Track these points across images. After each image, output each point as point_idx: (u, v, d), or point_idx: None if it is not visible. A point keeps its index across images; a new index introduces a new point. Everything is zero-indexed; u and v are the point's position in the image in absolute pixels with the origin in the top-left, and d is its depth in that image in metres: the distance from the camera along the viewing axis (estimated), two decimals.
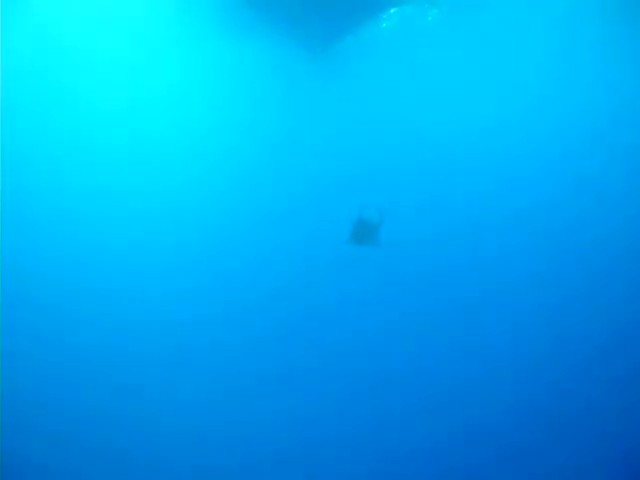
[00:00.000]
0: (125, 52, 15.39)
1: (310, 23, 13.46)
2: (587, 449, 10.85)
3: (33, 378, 11.93)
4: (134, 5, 13.65)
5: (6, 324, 11.85)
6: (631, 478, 10.17)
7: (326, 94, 16.46)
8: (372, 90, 16.67)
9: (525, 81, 16.73)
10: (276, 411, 12.12)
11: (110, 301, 14.51)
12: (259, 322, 14.36)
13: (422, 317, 14.09)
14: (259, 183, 17.17)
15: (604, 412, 11.48)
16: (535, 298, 14.61)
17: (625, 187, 15.75)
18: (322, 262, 14.31)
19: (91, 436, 11.19)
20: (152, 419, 11.73)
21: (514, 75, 16.73)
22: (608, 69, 16.14)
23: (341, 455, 11.45)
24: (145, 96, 16.40)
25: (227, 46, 14.77)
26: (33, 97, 15.81)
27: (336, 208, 14.09)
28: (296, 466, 11.24)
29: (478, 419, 11.83)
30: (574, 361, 12.79)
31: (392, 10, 13.70)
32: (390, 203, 15.32)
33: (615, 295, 13.89)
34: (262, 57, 15.02)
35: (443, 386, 12.77)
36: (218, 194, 16.90)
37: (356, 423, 12.13)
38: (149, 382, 12.50)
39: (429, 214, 16.85)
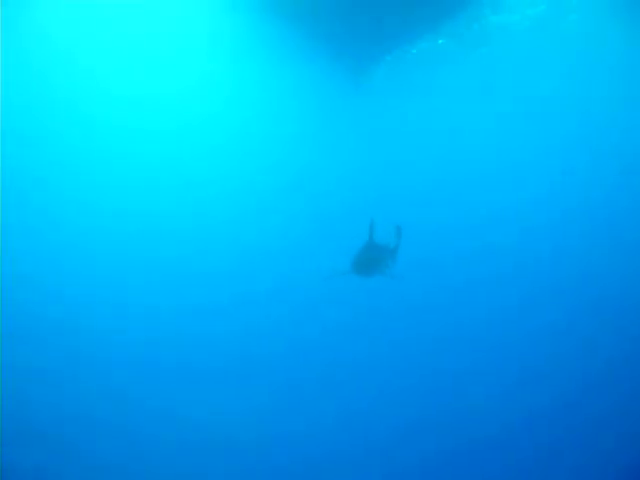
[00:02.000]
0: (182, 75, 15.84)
1: (349, 46, 13.98)
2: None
3: (31, 382, 11.74)
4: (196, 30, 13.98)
5: (6, 328, 11.66)
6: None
7: (364, 113, 17.02)
8: (408, 111, 17.17)
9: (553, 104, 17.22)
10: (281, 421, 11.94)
11: (113, 307, 14.47)
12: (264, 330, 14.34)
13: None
14: (295, 201, 17.61)
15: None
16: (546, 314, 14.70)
17: None
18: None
19: (90, 441, 11.04)
20: (152, 423, 11.61)
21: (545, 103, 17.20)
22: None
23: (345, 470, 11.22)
24: (187, 111, 16.88)
25: (270, 68, 15.23)
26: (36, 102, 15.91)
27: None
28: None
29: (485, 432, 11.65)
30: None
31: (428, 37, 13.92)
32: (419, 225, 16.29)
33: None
34: (303, 77, 15.38)
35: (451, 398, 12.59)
36: (251, 210, 17.20)
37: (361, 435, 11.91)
38: (148, 387, 12.42)
39: (461, 236, 17.17)
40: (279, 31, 13.30)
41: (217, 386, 12.47)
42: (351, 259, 7.21)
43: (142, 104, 16.74)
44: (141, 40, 14.61)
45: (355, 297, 12.87)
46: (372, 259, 7.38)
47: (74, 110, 16.31)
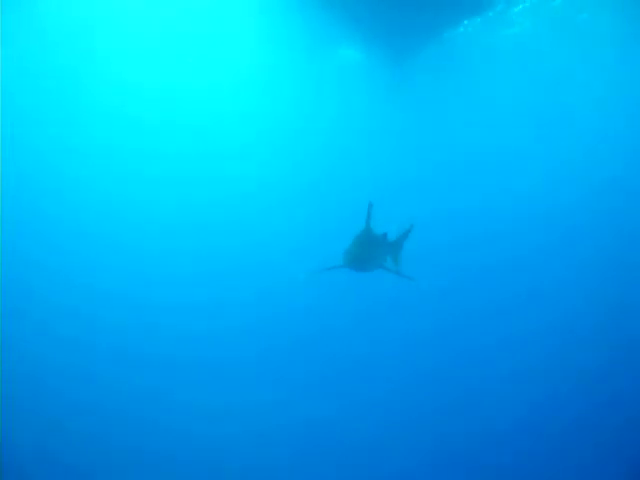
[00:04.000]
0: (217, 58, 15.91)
1: (391, 35, 13.96)
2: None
3: (33, 377, 11.89)
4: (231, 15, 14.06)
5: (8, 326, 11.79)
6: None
7: (400, 104, 16.79)
8: (449, 99, 16.95)
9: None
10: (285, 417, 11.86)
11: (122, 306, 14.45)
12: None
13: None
14: (327, 195, 17.51)
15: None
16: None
17: None
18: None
19: (95, 433, 11.09)
20: (155, 419, 11.62)
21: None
22: None
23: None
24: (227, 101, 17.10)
25: (314, 55, 15.38)
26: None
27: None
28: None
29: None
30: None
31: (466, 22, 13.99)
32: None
33: None
34: (347, 65, 15.62)
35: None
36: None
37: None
38: (151, 383, 12.41)
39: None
40: (316, 21, 13.47)
41: (219, 382, 12.49)
42: (343, 250, 6.14)
43: (174, 99, 17.18)
44: (173, 33, 14.91)
45: (355, 292, 12.43)
46: (367, 250, 6.17)
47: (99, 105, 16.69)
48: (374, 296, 12.95)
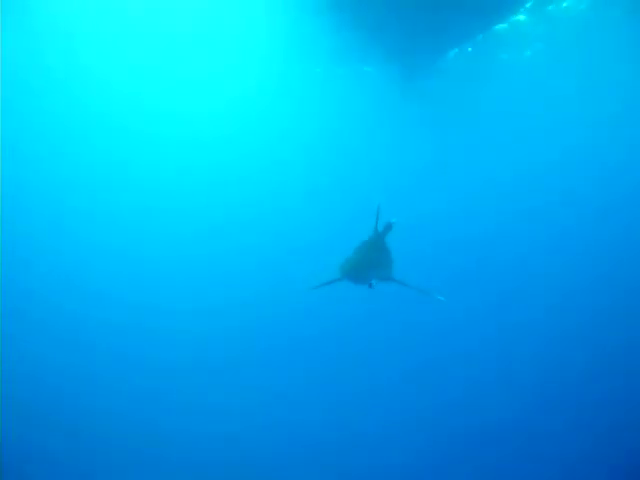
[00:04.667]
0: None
1: (401, 49, 14.25)
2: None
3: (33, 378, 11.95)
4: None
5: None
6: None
7: (414, 115, 16.98)
8: (461, 112, 17.03)
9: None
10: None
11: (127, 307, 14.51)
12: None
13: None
14: (343, 201, 17.77)
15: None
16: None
17: None
18: None
19: (97, 433, 11.22)
20: (154, 419, 11.73)
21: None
22: None
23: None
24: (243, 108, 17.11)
25: (320, 70, 15.71)
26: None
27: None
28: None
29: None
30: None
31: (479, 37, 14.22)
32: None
33: None
34: (355, 80, 15.93)
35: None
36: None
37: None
38: (148, 383, 12.54)
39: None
40: (331, 33, 13.78)
41: (218, 382, 12.58)
42: (345, 259, 5.51)
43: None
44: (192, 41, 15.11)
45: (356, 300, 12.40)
46: (373, 260, 5.39)
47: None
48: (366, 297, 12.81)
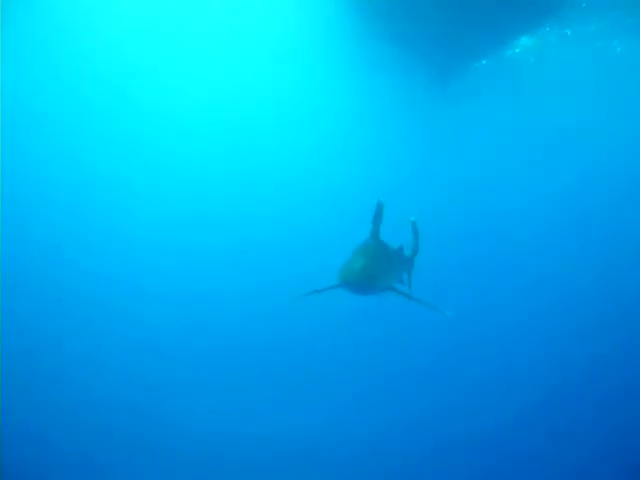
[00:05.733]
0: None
1: (434, 55, 14.44)
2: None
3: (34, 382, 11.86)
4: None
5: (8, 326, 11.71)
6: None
7: (446, 122, 17.23)
8: (490, 120, 17.23)
9: None
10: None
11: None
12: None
13: None
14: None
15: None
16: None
17: None
18: None
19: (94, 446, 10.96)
20: (151, 431, 11.47)
21: None
22: None
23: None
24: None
25: (352, 76, 16.09)
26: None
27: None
28: None
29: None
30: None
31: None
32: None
33: None
34: (389, 84, 16.07)
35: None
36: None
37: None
38: (147, 394, 12.30)
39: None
40: (363, 40, 14.15)
41: (217, 394, 12.46)
42: (341, 264, 4.78)
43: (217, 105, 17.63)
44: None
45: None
46: (373, 264, 4.64)
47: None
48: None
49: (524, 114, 17.12)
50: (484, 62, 15.43)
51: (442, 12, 12.74)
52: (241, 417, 11.80)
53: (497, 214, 17.67)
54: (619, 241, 16.54)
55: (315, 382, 12.47)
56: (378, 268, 4.77)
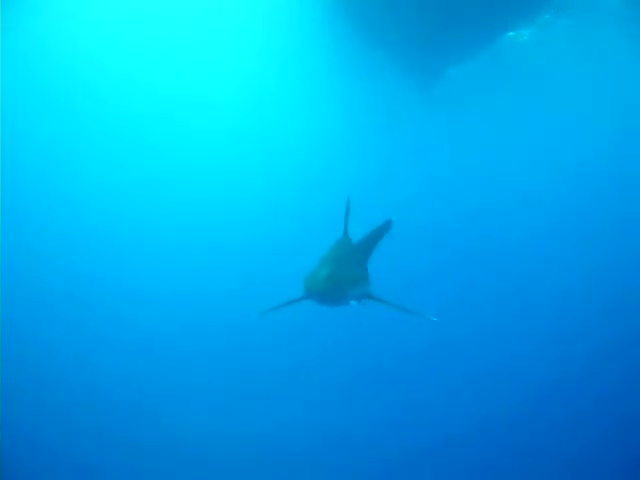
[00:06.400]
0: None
1: (418, 57, 14.36)
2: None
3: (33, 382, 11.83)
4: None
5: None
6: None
7: (431, 125, 17.01)
8: (476, 123, 17.16)
9: None
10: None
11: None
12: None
13: None
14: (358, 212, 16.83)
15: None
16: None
17: None
18: None
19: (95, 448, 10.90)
20: (152, 434, 11.36)
21: None
22: None
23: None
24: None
25: (336, 78, 16.00)
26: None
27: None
28: None
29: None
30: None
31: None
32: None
33: None
34: (371, 90, 16.11)
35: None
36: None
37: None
38: (147, 397, 12.23)
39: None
40: (346, 41, 14.04)
41: (212, 394, 12.35)
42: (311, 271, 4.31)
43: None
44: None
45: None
46: (342, 271, 4.16)
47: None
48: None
49: (515, 113, 16.98)
50: (470, 63, 15.33)
51: (427, 11, 12.69)
52: (236, 417, 11.70)
53: (486, 216, 17.44)
54: (617, 236, 16.24)
55: (311, 381, 12.37)
56: (349, 273, 4.28)
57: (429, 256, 15.75)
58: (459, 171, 18.03)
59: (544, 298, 14.70)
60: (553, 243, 16.44)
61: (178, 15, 15.25)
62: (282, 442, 10.93)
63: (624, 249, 15.37)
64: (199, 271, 15.53)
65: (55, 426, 10.86)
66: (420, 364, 12.33)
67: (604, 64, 15.56)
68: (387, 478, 10.88)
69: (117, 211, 16.84)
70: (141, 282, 15.08)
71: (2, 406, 10.05)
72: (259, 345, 13.02)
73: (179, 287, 15.04)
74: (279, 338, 12.85)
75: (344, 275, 4.24)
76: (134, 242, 16.30)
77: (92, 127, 17.12)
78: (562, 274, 15.33)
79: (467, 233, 16.68)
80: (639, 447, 10.16)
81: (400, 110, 16.71)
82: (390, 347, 12.98)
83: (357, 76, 15.84)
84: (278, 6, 13.96)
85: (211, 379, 12.46)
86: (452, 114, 16.76)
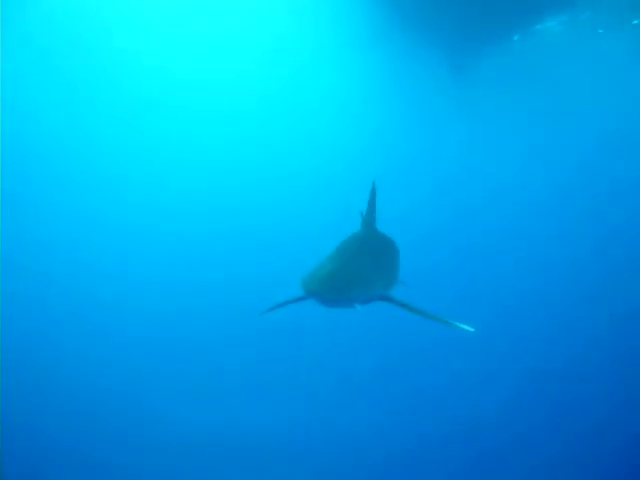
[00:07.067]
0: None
1: (452, 38, 14.13)
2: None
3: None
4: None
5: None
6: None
7: (463, 107, 16.64)
8: (509, 105, 16.58)
9: None
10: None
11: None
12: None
13: None
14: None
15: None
16: None
17: None
18: None
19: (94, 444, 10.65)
20: (153, 430, 11.15)
21: None
22: None
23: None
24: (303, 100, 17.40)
25: (369, 61, 15.75)
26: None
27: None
28: None
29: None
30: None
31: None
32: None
33: None
34: (403, 71, 15.86)
35: None
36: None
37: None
38: (149, 392, 12.02)
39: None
40: (379, 23, 13.81)
41: (213, 387, 12.16)
42: (315, 265, 3.83)
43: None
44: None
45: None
46: (352, 268, 3.64)
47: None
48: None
49: (550, 98, 16.33)
50: (505, 45, 14.83)
51: None
52: (235, 414, 11.55)
53: (522, 212, 16.91)
54: None
55: (308, 377, 12.17)
56: (357, 271, 3.62)
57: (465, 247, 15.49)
58: (493, 157, 17.51)
59: (542, 298, 14.32)
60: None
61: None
62: (281, 440, 10.83)
63: None
64: (210, 262, 15.39)
65: (55, 419, 10.82)
66: (419, 363, 12.13)
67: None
68: (383, 477, 10.70)
69: (121, 205, 16.84)
70: (145, 276, 15.02)
71: (2, 403, 10.09)
72: (259, 341, 12.84)
73: (182, 282, 14.96)
74: (277, 334, 12.60)
75: (351, 273, 3.60)
76: (143, 237, 16.25)
77: (86, 119, 17.01)
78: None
79: (501, 228, 16.30)
80: (628, 447, 9.96)
81: (433, 91, 16.38)
82: (387, 344, 12.80)
83: (390, 57, 15.54)
84: None
85: (210, 378, 12.34)
86: (486, 97, 16.33)
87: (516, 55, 15.04)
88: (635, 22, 13.82)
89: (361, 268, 3.72)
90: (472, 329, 3.84)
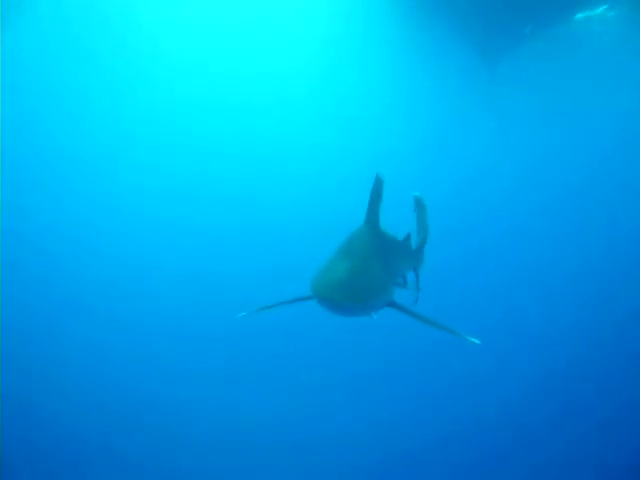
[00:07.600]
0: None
1: (485, 35, 14.06)
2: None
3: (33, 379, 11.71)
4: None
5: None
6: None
7: (496, 102, 16.43)
8: (543, 100, 16.27)
9: None
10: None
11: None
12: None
13: None
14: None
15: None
16: None
17: None
18: None
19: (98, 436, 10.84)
20: (155, 421, 11.36)
21: None
22: None
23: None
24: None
25: (400, 56, 15.82)
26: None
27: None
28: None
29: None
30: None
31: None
32: None
33: None
34: (436, 66, 15.81)
35: None
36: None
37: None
38: (151, 384, 12.13)
39: None
40: (409, 17, 13.80)
41: (220, 386, 12.21)
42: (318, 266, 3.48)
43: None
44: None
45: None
46: (363, 268, 3.28)
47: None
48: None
49: (583, 95, 15.99)
50: (537, 42, 14.57)
51: None
52: (235, 411, 11.63)
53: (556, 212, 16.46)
54: None
55: (311, 376, 12.19)
56: (373, 276, 3.26)
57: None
58: (525, 152, 17.18)
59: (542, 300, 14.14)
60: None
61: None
62: (282, 439, 10.85)
63: None
64: (215, 256, 15.33)
65: (55, 414, 10.89)
66: (422, 362, 12.11)
67: None
68: (383, 477, 10.75)
69: (127, 203, 16.79)
70: (147, 273, 14.93)
71: (2, 401, 10.04)
72: (259, 341, 12.84)
73: (183, 282, 14.83)
74: (277, 334, 12.70)
75: (368, 278, 3.24)
76: (157, 231, 16.20)
77: (87, 118, 16.96)
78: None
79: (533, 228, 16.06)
80: (632, 447, 9.97)
81: (466, 87, 16.30)
82: (389, 344, 12.50)
83: (422, 52, 15.51)
84: None
85: (210, 377, 12.38)
86: (517, 93, 16.08)
87: (548, 51, 14.85)
88: None
89: (376, 272, 3.37)
90: (478, 341, 3.64)
